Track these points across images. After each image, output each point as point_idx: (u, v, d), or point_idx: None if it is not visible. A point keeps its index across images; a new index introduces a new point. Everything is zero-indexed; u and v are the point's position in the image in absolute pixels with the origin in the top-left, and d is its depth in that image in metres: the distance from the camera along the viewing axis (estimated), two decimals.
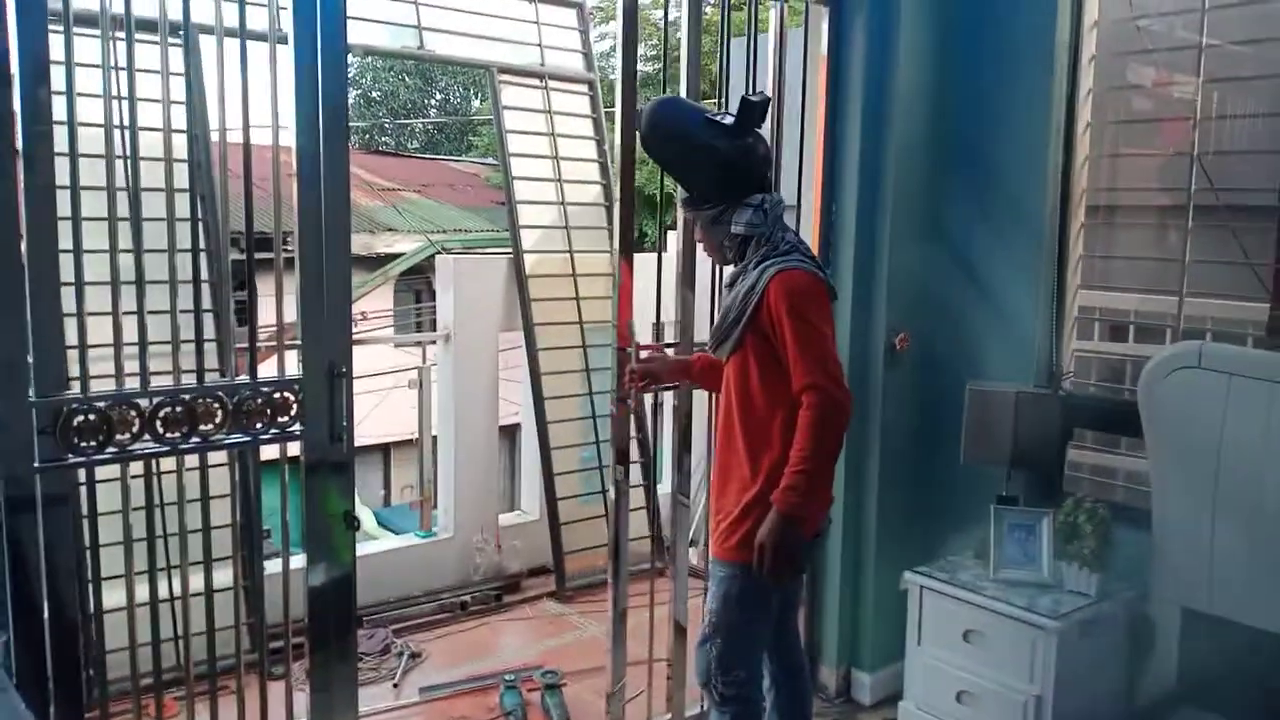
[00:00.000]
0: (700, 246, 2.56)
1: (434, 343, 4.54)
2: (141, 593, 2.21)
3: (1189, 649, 2.78)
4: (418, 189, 13.56)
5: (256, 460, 3.25)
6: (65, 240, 1.99)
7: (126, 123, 2.06)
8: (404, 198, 12.95)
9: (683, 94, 2.84)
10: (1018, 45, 3.19)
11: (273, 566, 2.98)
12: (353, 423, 2.36)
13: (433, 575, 4.30)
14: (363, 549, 4.37)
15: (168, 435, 2.12)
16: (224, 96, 2.17)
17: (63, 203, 1.96)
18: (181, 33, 2.15)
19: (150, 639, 2.20)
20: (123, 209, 2.10)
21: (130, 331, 2.09)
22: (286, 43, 2.19)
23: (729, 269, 2.51)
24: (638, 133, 2.46)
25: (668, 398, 3.20)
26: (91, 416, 2.03)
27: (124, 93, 2.07)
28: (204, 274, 2.23)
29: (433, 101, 20.52)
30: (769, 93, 2.99)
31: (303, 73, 2.20)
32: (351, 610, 2.44)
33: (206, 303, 2.28)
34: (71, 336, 2.07)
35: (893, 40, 3.17)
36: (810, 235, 3.24)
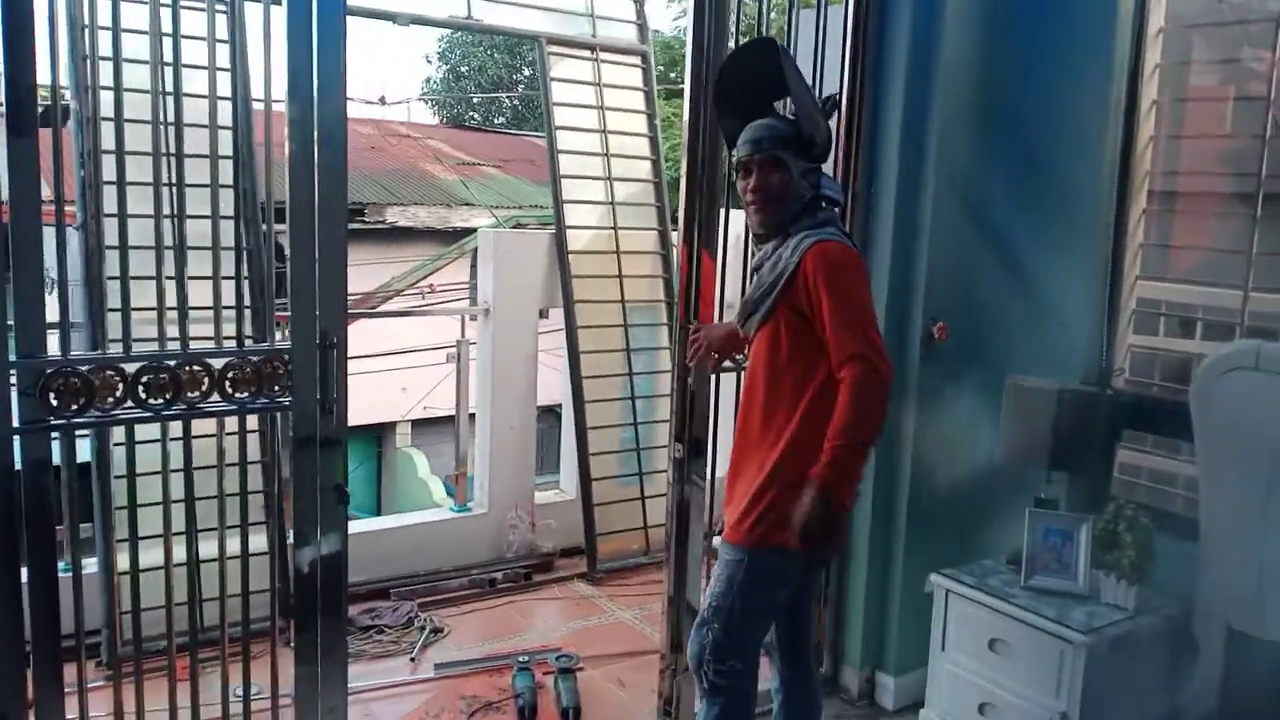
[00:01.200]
0: (754, 200, 2.29)
1: (474, 317, 4.49)
2: (153, 557, 2.21)
3: (1233, 673, 2.56)
4: (497, 164, 13.58)
5: (278, 428, 3.26)
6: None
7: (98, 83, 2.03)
8: (483, 172, 13.00)
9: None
10: (1075, 15, 2.96)
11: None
12: (345, 395, 2.31)
13: (465, 550, 4.28)
14: (395, 521, 4.40)
15: (151, 401, 2.11)
16: (241, 61, 2.13)
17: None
18: None
19: (130, 606, 2.19)
20: (110, 172, 2.08)
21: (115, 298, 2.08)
22: (281, 3, 2.14)
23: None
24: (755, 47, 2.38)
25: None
26: (73, 379, 2.02)
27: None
28: (189, 241, 2.16)
29: (520, 77, 20.51)
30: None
31: (296, 36, 2.14)
32: (342, 587, 2.39)
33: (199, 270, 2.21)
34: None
35: (939, 7, 2.98)
36: (846, 215, 3.07)
